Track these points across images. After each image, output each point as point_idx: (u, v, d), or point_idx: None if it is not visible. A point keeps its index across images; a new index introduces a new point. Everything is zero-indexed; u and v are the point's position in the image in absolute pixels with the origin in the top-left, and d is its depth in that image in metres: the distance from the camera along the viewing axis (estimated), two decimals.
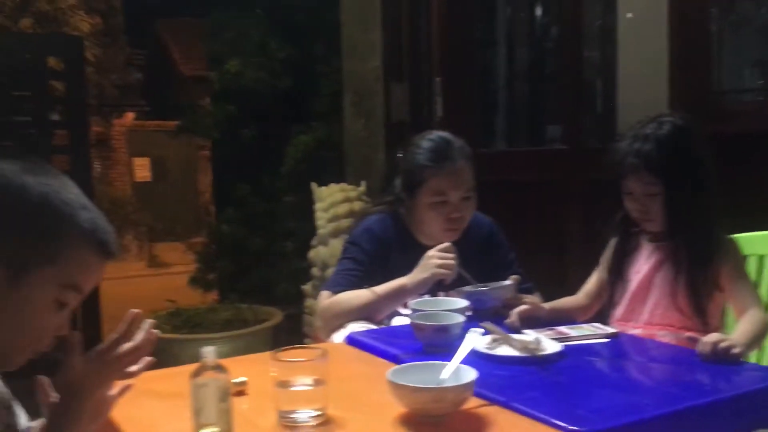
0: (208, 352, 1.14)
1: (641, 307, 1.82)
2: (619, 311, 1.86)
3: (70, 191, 1.02)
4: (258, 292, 4.67)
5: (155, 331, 1.13)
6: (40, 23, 7.68)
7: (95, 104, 9.02)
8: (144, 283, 8.41)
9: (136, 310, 1.12)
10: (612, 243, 1.92)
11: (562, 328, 1.69)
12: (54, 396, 1.13)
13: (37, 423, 1.17)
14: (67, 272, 1.00)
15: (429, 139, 1.96)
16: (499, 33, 3.63)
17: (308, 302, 3.98)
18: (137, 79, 11.22)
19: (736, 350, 1.46)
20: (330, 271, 3.67)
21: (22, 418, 1.11)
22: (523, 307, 1.73)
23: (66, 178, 1.05)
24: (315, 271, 3.86)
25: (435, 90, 2.96)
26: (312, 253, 3.87)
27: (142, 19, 11.65)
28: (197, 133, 5.35)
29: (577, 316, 1.87)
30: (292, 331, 4.16)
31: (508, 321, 1.72)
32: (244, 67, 4.65)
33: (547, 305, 1.80)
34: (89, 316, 4.27)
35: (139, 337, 1.11)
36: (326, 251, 3.74)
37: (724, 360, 1.45)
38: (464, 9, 3.05)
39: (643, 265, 1.83)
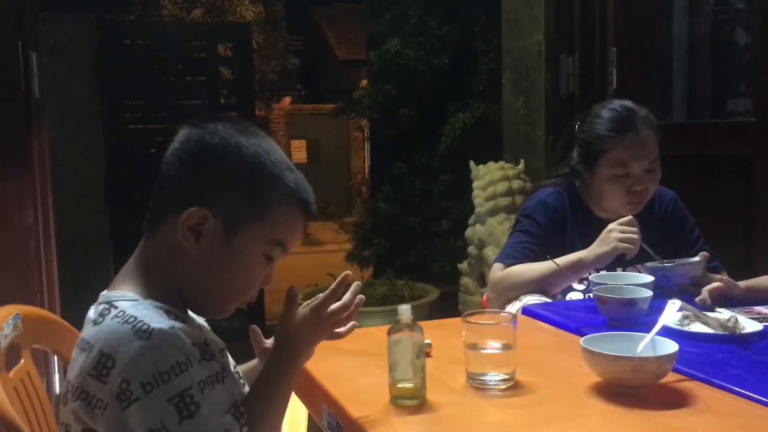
0: (404, 310, 1.16)
1: None
2: None
3: (277, 152, 1.08)
4: (414, 270, 4.73)
5: (361, 296, 1.17)
6: (209, 13, 8.18)
7: (257, 89, 9.47)
8: (300, 259, 8.74)
9: (347, 272, 1.16)
10: None
11: (760, 308, 1.57)
12: (268, 342, 1.20)
13: (251, 364, 1.25)
14: (274, 228, 1.05)
15: (610, 108, 1.88)
16: (677, 0, 3.42)
17: (464, 280, 3.99)
18: (294, 65, 11.67)
19: None
20: (487, 250, 3.66)
21: (231, 362, 1.19)
22: (715, 284, 1.63)
23: (272, 141, 1.11)
24: (471, 249, 3.85)
25: (610, 61, 2.84)
26: (469, 232, 3.87)
27: (301, 6, 12.09)
28: (356, 113, 5.48)
29: None
30: (447, 308, 4.19)
31: (699, 298, 1.62)
32: (403, 46, 4.69)
33: (743, 284, 1.68)
34: None
35: (346, 297, 1.16)
36: (483, 230, 3.72)
37: None
38: None
39: None
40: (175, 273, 1.05)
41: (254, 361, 1.26)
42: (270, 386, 1.08)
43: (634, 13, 2.87)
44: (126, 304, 0.99)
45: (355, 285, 1.19)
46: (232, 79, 4.95)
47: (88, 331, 1.00)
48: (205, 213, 1.01)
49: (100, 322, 0.98)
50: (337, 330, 1.19)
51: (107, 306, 1.00)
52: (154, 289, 1.03)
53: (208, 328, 1.19)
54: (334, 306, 1.15)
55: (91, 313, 1.02)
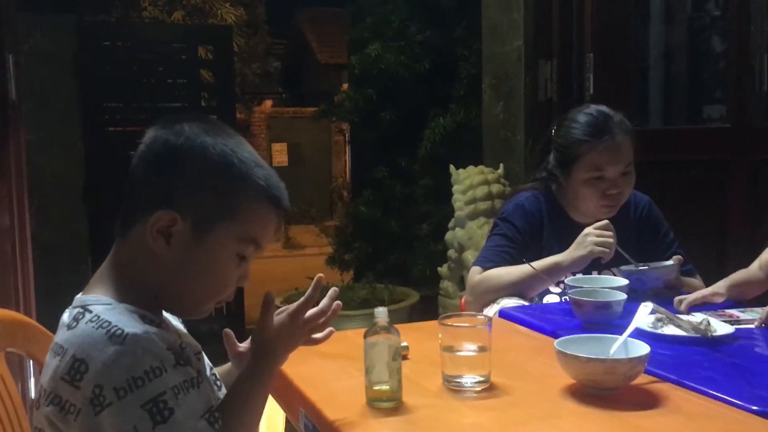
0: (380, 312, 1.17)
1: None
2: None
3: (245, 150, 1.06)
4: (394, 274, 4.74)
5: (338, 302, 1.17)
6: (190, 15, 8.13)
7: (238, 92, 9.43)
8: (281, 263, 8.76)
9: (320, 275, 1.16)
10: None
11: (733, 311, 1.60)
12: (242, 346, 1.20)
13: (225, 367, 1.25)
14: (246, 227, 1.04)
15: (586, 113, 1.91)
16: (654, 7, 3.47)
17: (444, 284, 4.00)
18: (276, 68, 11.63)
19: None
20: (467, 254, 3.68)
21: (208, 366, 1.19)
22: (698, 296, 1.63)
23: (241, 138, 1.09)
24: (451, 253, 3.86)
25: (587, 67, 2.88)
26: (449, 236, 3.88)
27: (283, 9, 12.07)
28: (337, 117, 5.47)
29: (754, 291, 1.75)
30: (427, 312, 4.19)
31: (680, 308, 1.63)
32: (384, 51, 4.70)
33: (722, 285, 1.68)
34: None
35: (324, 302, 1.16)
36: (463, 234, 3.74)
37: None
38: None
39: None
40: (149, 276, 1.04)
41: (229, 365, 1.26)
42: (246, 391, 1.08)
43: (611, 20, 2.91)
44: (100, 309, 0.98)
45: (333, 290, 1.18)
46: (212, 82, 4.93)
47: (61, 335, 0.99)
48: (173, 215, 1.01)
49: (74, 327, 0.97)
50: (314, 336, 1.19)
51: (81, 310, 0.99)
52: (128, 293, 1.03)
53: (185, 331, 1.19)
54: (311, 312, 1.15)
55: (66, 317, 1.01)
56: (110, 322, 0.95)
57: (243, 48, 9.03)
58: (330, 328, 1.21)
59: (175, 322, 1.17)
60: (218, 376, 1.21)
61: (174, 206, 1.01)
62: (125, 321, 0.96)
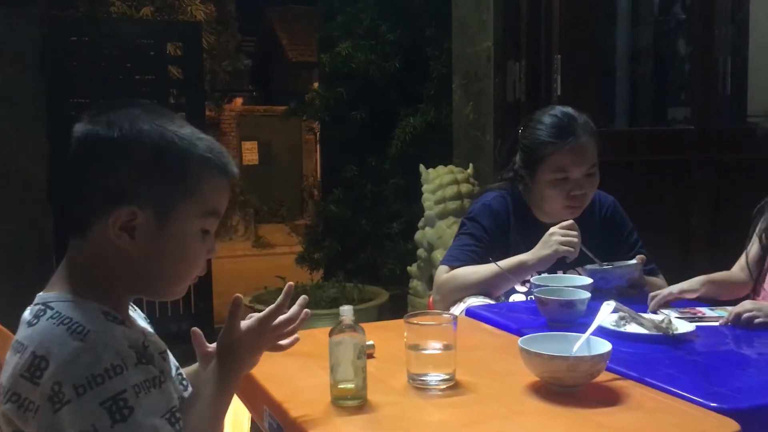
0: (346, 311, 1.17)
1: None
2: None
3: (181, 126, 1.05)
4: (364, 273, 4.74)
5: (308, 310, 1.17)
6: (159, 11, 8.04)
7: (208, 89, 9.35)
8: (250, 262, 8.71)
9: (290, 283, 1.15)
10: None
11: (700, 308, 1.63)
12: (210, 346, 1.19)
13: (192, 368, 1.24)
14: (203, 201, 1.04)
15: (551, 114, 1.93)
16: (620, 10, 3.53)
17: (413, 283, 4.01)
18: (247, 66, 11.55)
19: (759, 320, 1.50)
20: (437, 253, 3.70)
21: (173, 365, 1.17)
22: (672, 292, 1.66)
23: (172, 113, 1.08)
24: (421, 252, 3.88)
25: (554, 68, 2.91)
26: (418, 235, 3.89)
27: (253, 6, 11.98)
28: (307, 115, 5.46)
29: (732, 291, 1.77)
30: (397, 310, 4.20)
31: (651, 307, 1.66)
32: (355, 49, 4.70)
33: (697, 282, 1.72)
34: (201, 292, 4.48)
35: (293, 310, 1.16)
36: (433, 233, 3.75)
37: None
38: None
39: None
40: (115, 273, 1.03)
41: (196, 365, 1.25)
42: (209, 393, 1.07)
43: (579, 22, 2.95)
44: (62, 305, 0.97)
45: (302, 298, 1.18)
46: (181, 79, 4.88)
47: (22, 332, 0.98)
48: (132, 209, 0.99)
49: (35, 324, 0.96)
50: (280, 342, 1.19)
51: (43, 307, 0.98)
52: (91, 291, 1.01)
53: (151, 330, 1.17)
54: (280, 318, 1.14)
55: (27, 314, 1.00)
56: (71, 319, 0.94)
57: (213, 45, 8.94)
58: (295, 335, 1.20)
59: (140, 321, 1.16)
60: (184, 376, 1.20)
61: (130, 200, 0.99)
62: (87, 318, 0.95)
